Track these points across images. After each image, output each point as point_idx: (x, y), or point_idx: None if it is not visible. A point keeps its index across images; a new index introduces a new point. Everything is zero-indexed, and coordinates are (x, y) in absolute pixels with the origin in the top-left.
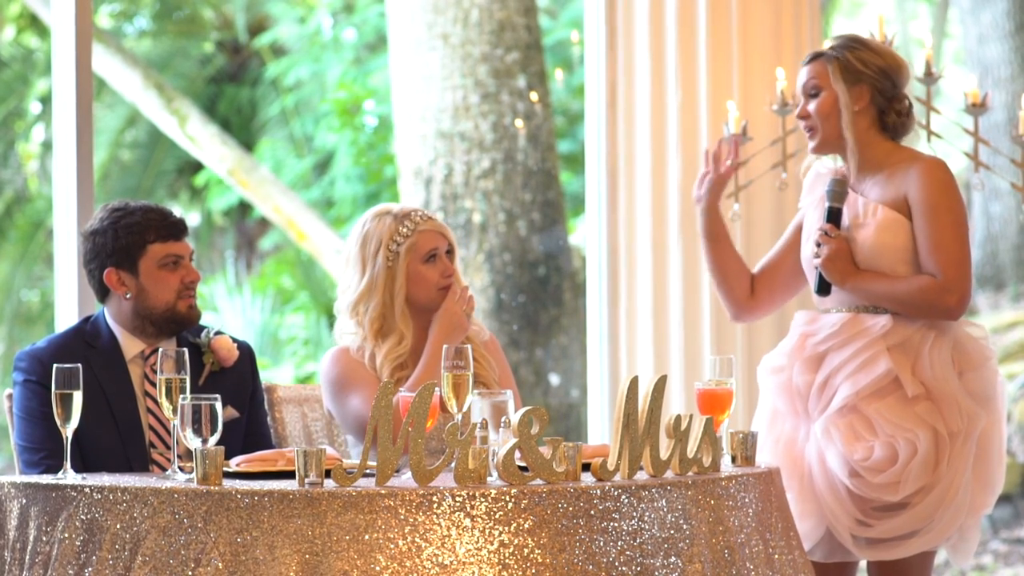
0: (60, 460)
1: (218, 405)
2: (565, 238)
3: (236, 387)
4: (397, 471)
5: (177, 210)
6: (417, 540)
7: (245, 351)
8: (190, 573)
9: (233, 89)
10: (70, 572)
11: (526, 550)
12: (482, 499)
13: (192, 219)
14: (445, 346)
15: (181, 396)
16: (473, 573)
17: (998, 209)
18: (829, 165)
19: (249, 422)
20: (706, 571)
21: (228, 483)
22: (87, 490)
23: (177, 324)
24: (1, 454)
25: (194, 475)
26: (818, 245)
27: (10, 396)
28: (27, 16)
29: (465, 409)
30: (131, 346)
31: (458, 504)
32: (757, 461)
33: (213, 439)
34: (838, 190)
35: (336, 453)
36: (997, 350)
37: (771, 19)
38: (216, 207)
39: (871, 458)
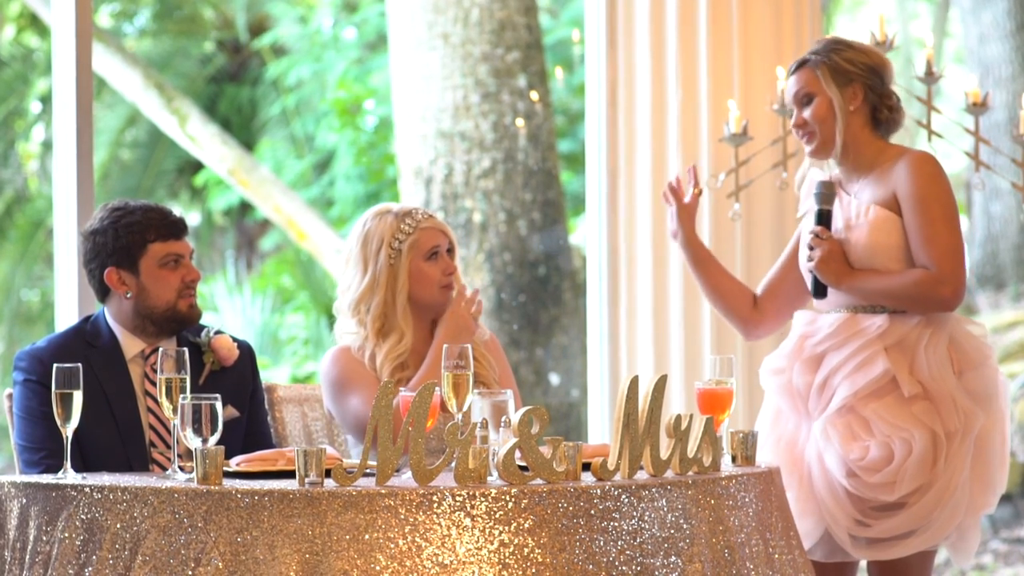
0: (60, 460)
1: (218, 405)
2: (565, 238)
3: (236, 386)
4: (397, 471)
5: (177, 209)
6: (417, 540)
7: (245, 350)
8: (190, 573)
9: (233, 89)
10: (70, 572)
11: (526, 550)
12: (482, 499)
13: (192, 219)
14: (445, 346)
15: (181, 396)
16: (473, 573)
17: (998, 209)
18: (823, 173)
19: (249, 421)
20: (706, 571)
21: (228, 483)
22: (87, 490)
23: (178, 323)
24: (1, 454)
25: (194, 475)
26: (811, 248)
27: (10, 396)
28: (27, 15)
29: (465, 409)
30: (131, 345)
31: (458, 504)
32: (757, 461)
33: (213, 439)
34: (826, 192)
35: (336, 453)
36: (997, 350)
37: (772, 18)
38: (216, 207)
39: (867, 458)
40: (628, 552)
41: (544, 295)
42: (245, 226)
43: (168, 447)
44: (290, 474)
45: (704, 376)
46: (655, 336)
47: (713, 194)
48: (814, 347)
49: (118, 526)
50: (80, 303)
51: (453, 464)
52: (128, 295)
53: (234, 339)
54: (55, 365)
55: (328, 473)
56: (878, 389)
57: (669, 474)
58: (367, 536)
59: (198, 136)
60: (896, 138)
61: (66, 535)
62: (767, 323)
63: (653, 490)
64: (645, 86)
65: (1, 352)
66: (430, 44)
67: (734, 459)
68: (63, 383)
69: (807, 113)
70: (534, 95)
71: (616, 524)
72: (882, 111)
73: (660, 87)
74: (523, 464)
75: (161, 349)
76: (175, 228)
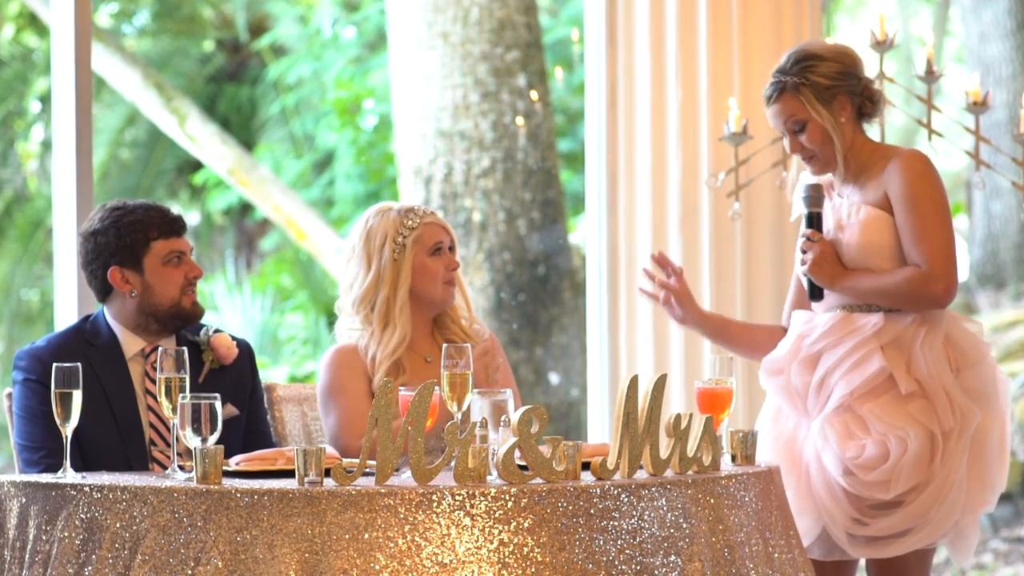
0: (60, 459)
1: (218, 404)
2: (565, 237)
3: (235, 385)
4: (397, 470)
5: (175, 208)
6: (417, 539)
7: (244, 349)
8: (190, 572)
9: (233, 88)
10: (70, 571)
11: (526, 549)
12: (482, 498)
13: (192, 218)
14: (445, 345)
15: (181, 395)
16: (473, 572)
17: (999, 208)
18: (813, 177)
19: (249, 420)
20: (706, 570)
21: (228, 482)
22: (87, 489)
23: (182, 320)
24: (1, 453)
25: (194, 474)
26: (803, 252)
27: (10, 395)
28: (26, 15)
29: (465, 408)
30: (131, 344)
31: (458, 503)
32: (757, 460)
33: (213, 438)
34: (814, 195)
35: (335, 452)
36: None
37: (772, 17)
38: (216, 207)
39: (863, 456)
40: (628, 551)
41: (544, 294)
42: (245, 226)
43: (168, 446)
44: (289, 473)
45: (704, 375)
46: (655, 335)
47: (713, 193)
48: (811, 346)
49: (118, 525)
50: (80, 302)
51: (453, 463)
52: (132, 294)
53: (233, 338)
54: (55, 364)
55: (327, 472)
56: (874, 388)
57: (669, 473)
58: (367, 535)
59: (197, 136)
60: (896, 138)
61: (66, 534)
62: None
63: (653, 489)
64: (645, 85)
65: (1, 351)
66: (430, 43)
67: (734, 458)
68: (62, 382)
69: (803, 139)
70: (534, 94)
71: (616, 523)
72: (866, 106)
73: (660, 86)
74: (523, 463)
75: (161, 348)
76: (176, 225)
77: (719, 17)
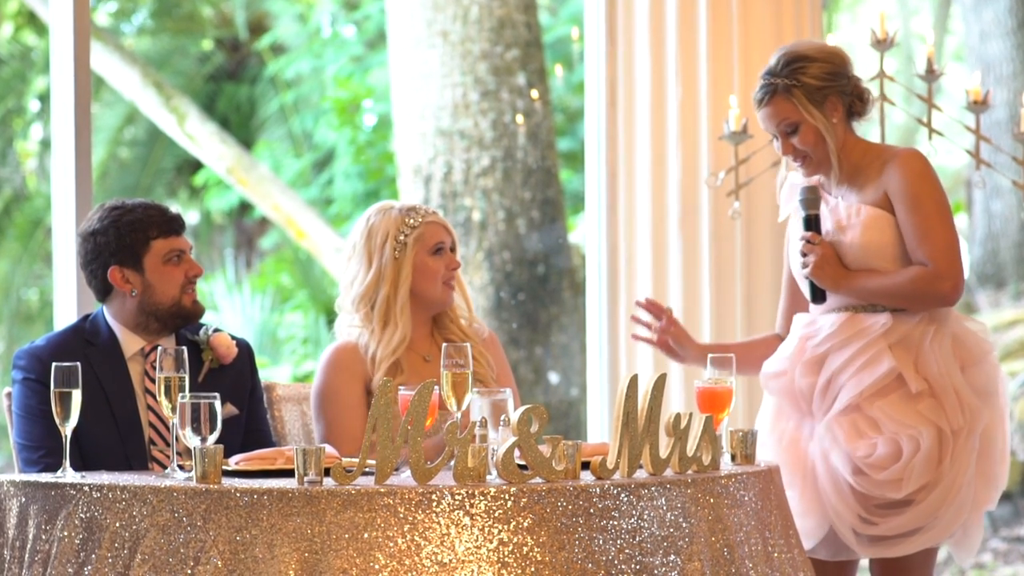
0: (59, 458)
1: (217, 404)
2: (565, 236)
3: (235, 384)
4: (396, 469)
5: (174, 207)
6: (416, 538)
7: (244, 348)
8: (189, 571)
9: (232, 87)
10: (69, 570)
11: (525, 548)
12: (481, 497)
13: (191, 217)
14: (445, 345)
15: (180, 394)
16: (472, 571)
17: (999, 207)
18: (801, 178)
19: (248, 419)
20: (705, 569)
21: (227, 481)
22: (86, 488)
23: (182, 319)
24: (0, 453)
25: (193, 473)
26: (804, 255)
27: (9, 394)
28: (25, 14)
29: (464, 407)
30: (131, 343)
31: (457, 502)
32: (757, 459)
33: (212, 437)
34: (811, 197)
35: (335, 451)
36: (998, 348)
37: (771, 16)
38: (215, 206)
39: (874, 455)
40: (627, 551)
41: (543, 294)
42: (244, 225)
43: (167, 445)
44: (289, 473)
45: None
46: None
47: (713, 192)
48: (815, 348)
49: (117, 525)
50: (79, 301)
51: (452, 463)
52: (133, 293)
53: (232, 337)
54: (54, 364)
55: (327, 472)
56: (883, 387)
57: (668, 473)
58: (366, 535)
59: (197, 134)
60: (896, 137)
61: (65, 534)
62: None
63: (652, 489)
64: (645, 84)
65: (0, 351)
66: (429, 42)
67: (733, 458)
68: (62, 382)
69: (795, 141)
70: (533, 93)
71: (615, 523)
72: (856, 105)
73: (660, 85)
74: (522, 463)
75: (160, 347)
76: (175, 224)
77: (719, 16)
